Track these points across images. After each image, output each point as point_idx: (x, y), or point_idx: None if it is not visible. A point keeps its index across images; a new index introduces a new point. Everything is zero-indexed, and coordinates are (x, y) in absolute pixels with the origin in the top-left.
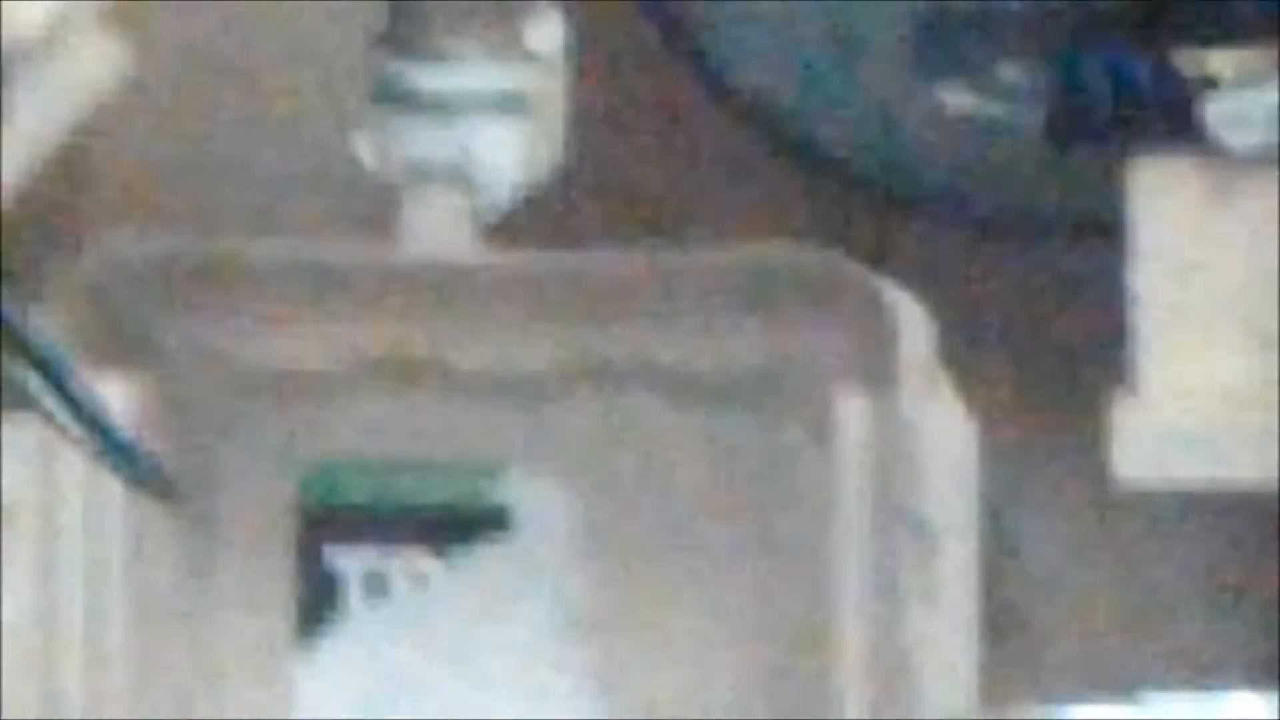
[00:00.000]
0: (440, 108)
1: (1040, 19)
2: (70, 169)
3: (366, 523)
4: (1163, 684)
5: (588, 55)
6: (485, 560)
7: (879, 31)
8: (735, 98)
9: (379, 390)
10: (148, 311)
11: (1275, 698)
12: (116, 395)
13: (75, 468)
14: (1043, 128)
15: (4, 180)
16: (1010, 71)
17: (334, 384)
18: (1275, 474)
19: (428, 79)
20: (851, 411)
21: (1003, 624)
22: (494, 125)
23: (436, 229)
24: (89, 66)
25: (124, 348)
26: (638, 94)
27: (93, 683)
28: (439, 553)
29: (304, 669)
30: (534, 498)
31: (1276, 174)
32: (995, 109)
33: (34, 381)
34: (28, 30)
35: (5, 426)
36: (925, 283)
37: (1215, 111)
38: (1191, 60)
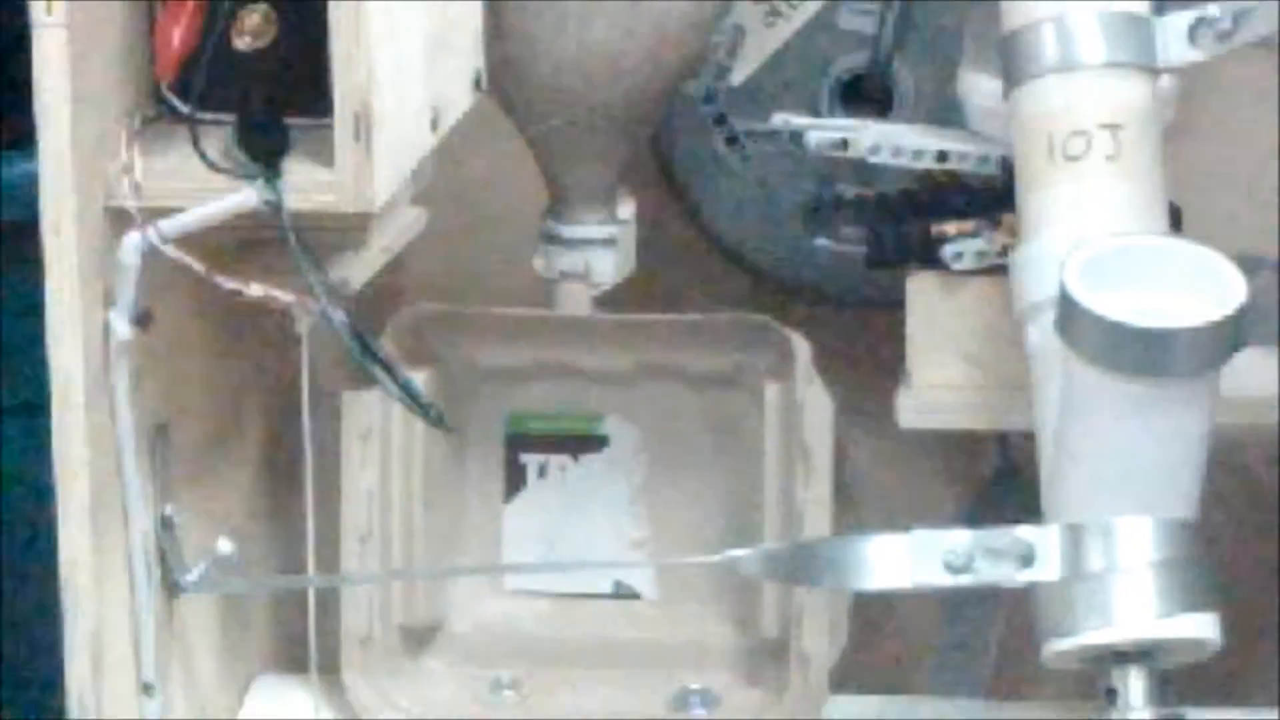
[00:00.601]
0: (575, 244)
1: (865, 204)
2: (395, 270)
3: (538, 441)
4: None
5: (642, 218)
6: (595, 462)
7: (788, 209)
8: (715, 239)
9: (543, 377)
10: (432, 339)
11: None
12: (420, 378)
13: (398, 412)
14: (865, 258)
15: (363, 276)
16: (850, 229)
17: (523, 374)
18: (976, 426)
19: (570, 231)
20: (773, 394)
21: (843, 498)
22: (600, 253)
23: (571, 301)
24: (404, 221)
25: (420, 357)
26: (669, 239)
27: (405, 518)
28: (574, 457)
29: (509, 509)
30: (619, 432)
31: (980, 280)
32: (843, 248)
33: (379, 373)
34: (379, 203)
35: (370, 395)
36: (807, 330)
37: (948, 251)
38: (937, 225)
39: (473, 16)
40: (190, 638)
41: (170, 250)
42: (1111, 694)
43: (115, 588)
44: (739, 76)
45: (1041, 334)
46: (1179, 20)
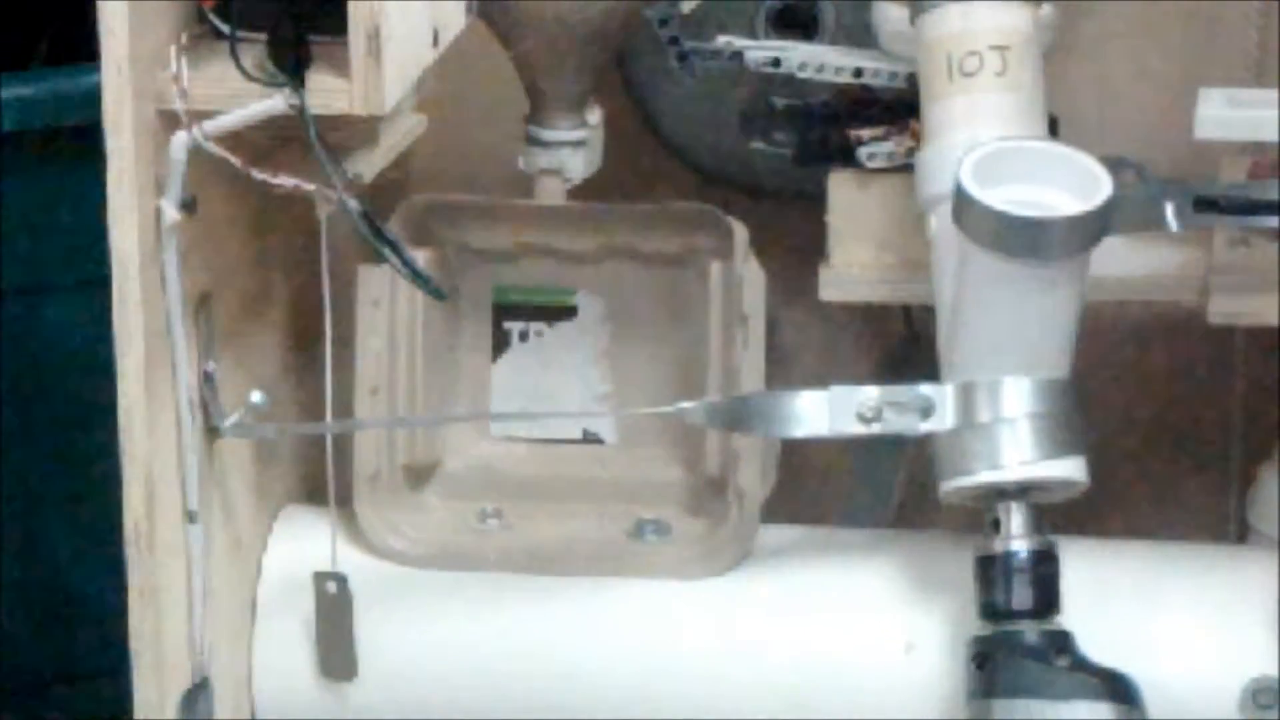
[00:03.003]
0: (551, 145)
1: (794, 113)
2: (401, 165)
3: (520, 310)
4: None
5: (607, 124)
6: (565, 328)
7: (729, 116)
8: (668, 141)
9: (526, 256)
10: (431, 223)
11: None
12: (421, 256)
13: (403, 285)
14: (794, 158)
15: (374, 170)
16: (781, 133)
17: (508, 255)
18: (885, 300)
19: (547, 134)
20: (716, 272)
21: (774, 359)
22: (573, 153)
23: (548, 193)
24: (408, 124)
25: (422, 238)
26: (630, 142)
27: (408, 374)
28: (549, 324)
29: (495, 368)
30: (587, 303)
31: (890, 177)
32: (775, 149)
33: (388, 252)
34: (387, 108)
35: (379, 270)
36: (745, 219)
37: (863, 152)
38: (854, 131)
39: None
40: (227, 474)
41: (212, 147)
42: (996, 525)
43: (165, 432)
44: (689, 5)
45: (940, 222)
46: None
